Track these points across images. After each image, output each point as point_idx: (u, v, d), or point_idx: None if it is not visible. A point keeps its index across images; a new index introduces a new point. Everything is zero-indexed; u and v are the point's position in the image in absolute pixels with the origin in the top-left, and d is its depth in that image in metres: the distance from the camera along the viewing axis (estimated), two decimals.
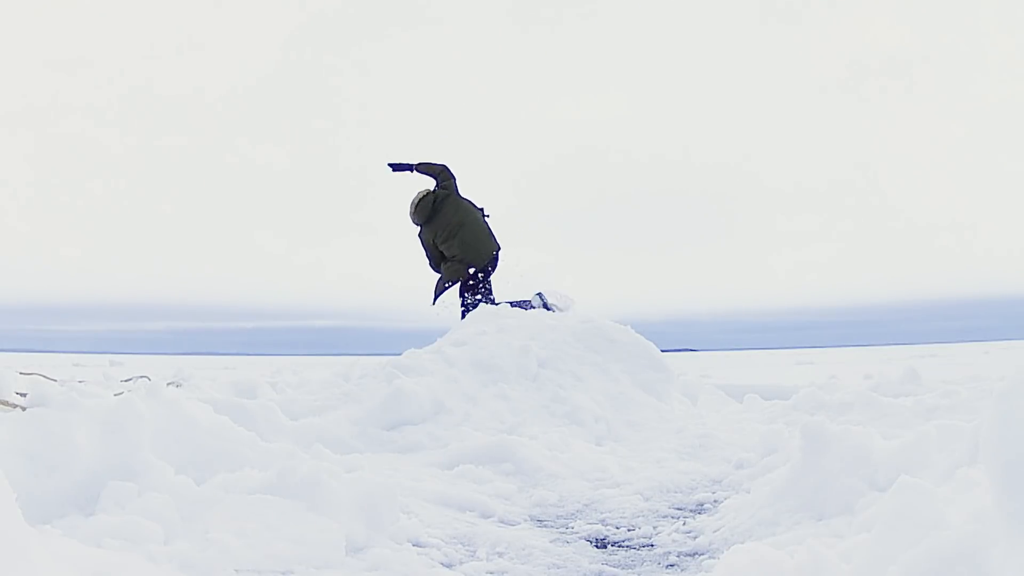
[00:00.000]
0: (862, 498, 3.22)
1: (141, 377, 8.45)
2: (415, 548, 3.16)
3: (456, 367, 6.60)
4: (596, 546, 3.51)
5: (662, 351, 7.63)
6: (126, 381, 8.07)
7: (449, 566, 3.06)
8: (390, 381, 5.97)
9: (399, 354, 7.48)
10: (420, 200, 8.28)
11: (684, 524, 3.78)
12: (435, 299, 8.39)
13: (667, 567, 3.20)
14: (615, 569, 3.14)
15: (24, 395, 3.21)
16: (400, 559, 2.96)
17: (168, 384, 6.60)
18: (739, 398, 8.37)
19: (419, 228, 8.40)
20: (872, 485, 3.26)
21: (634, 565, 3.22)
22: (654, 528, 3.75)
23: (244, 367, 18.06)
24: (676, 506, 4.23)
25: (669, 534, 3.62)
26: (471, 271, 8.30)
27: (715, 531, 3.56)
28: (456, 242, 8.30)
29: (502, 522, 3.81)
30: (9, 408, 3.17)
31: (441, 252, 8.37)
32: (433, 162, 8.46)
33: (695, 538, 3.53)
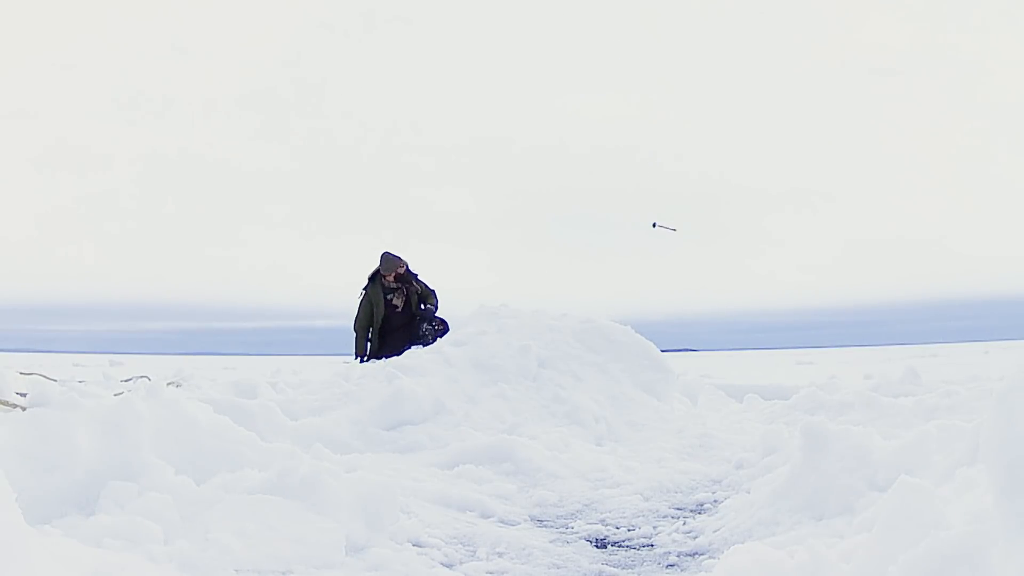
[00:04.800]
0: (862, 498, 3.22)
1: (141, 377, 8.44)
2: (415, 548, 3.17)
3: (456, 367, 6.60)
4: (596, 546, 3.51)
5: (662, 351, 7.63)
6: (126, 381, 8.07)
7: (449, 566, 3.06)
8: (390, 381, 5.97)
9: (398, 353, 7.51)
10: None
11: (684, 524, 3.78)
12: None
13: (667, 567, 3.20)
14: (615, 569, 3.14)
15: (24, 395, 3.21)
16: (400, 559, 2.96)
17: (168, 384, 6.60)
18: (739, 398, 8.37)
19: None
20: (872, 485, 3.26)
21: (634, 565, 3.22)
22: (654, 528, 3.75)
23: (244, 367, 18.08)
24: (676, 506, 4.23)
25: (669, 534, 3.62)
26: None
27: (715, 531, 3.56)
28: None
29: (502, 522, 3.81)
30: (9, 408, 3.18)
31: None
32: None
33: (695, 538, 3.54)
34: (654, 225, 9.65)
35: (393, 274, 8.70)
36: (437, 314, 8.78)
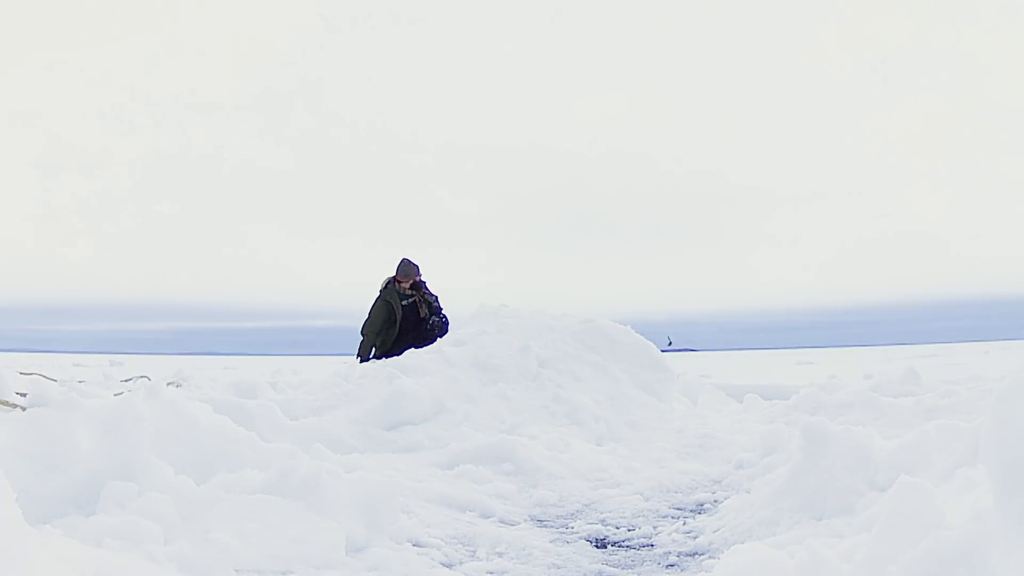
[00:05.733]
0: (862, 498, 3.22)
1: (141, 377, 8.45)
2: (415, 548, 3.17)
3: (456, 367, 6.59)
4: (596, 546, 3.51)
5: (662, 351, 7.63)
6: (126, 381, 8.08)
7: (449, 566, 3.06)
8: (390, 381, 5.97)
9: (399, 354, 7.50)
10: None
11: (684, 524, 3.78)
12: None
13: (667, 567, 3.20)
14: (615, 569, 3.14)
15: (24, 395, 3.21)
16: (400, 559, 2.96)
17: (168, 384, 6.60)
18: (739, 398, 8.36)
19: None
20: (872, 485, 3.26)
21: (634, 565, 3.22)
22: (654, 528, 3.75)
23: (244, 367, 18.07)
24: (676, 506, 4.24)
25: (669, 534, 3.62)
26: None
27: (715, 531, 3.56)
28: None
29: (502, 522, 3.81)
30: (9, 408, 3.17)
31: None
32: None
33: (695, 538, 3.54)
34: (669, 343, 10.32)
35: (410, 281, 8.70)
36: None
